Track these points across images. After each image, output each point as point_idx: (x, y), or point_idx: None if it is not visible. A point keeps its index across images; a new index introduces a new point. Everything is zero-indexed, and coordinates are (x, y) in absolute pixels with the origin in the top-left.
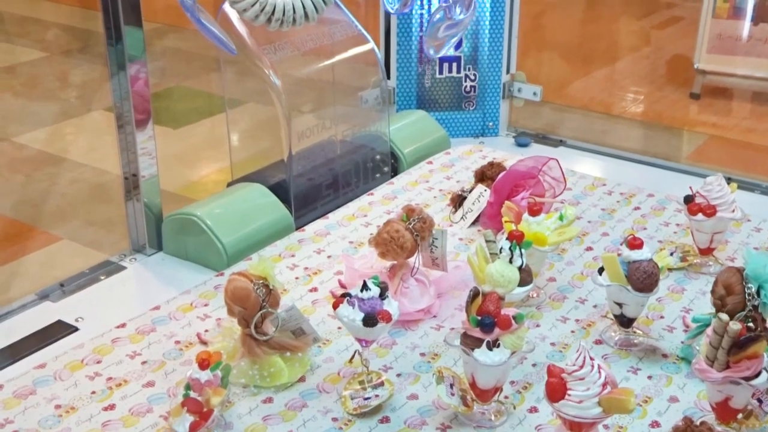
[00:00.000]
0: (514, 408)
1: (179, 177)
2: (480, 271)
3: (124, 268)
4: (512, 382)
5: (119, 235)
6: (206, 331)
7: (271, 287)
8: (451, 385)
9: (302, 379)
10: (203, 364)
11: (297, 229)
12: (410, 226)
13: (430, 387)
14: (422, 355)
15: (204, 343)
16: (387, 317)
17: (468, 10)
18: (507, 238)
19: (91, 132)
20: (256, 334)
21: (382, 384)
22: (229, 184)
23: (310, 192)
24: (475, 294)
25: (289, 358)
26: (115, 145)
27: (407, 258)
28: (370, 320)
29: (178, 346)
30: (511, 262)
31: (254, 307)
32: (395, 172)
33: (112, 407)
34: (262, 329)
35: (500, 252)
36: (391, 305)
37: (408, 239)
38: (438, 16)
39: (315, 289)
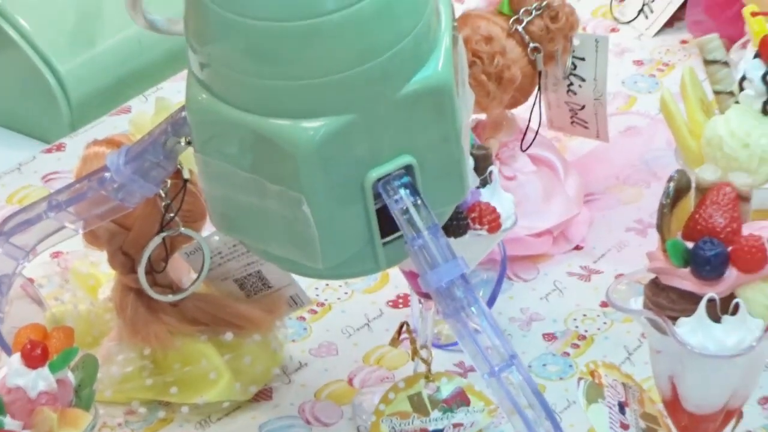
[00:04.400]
0: None
1: None
2: (691, 134)
3: None
4: (766, 399)
5: None
6: (31, 280)
7: (185, 176)
8: (621, 406)
9: (264, 394)
10: (31, 353)
11: None
12: (519, 29)
13: (570, 410)
14: (549, 337)
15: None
16: (491, 220)
17: None
18: (757, 56)
19: None
20: (152, 291)
21: (465, 402)
22: None
23: None
24: (679, 189)
25: (231, 344)
26: None
27: (512, 107)
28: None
29: None
30: (765, 112)
31: (147, 221)
32: None
33: None
34: (167, 276)
35: (740, 87)
36: (499, 197)
37: (515, 59)
38: None
39: None
